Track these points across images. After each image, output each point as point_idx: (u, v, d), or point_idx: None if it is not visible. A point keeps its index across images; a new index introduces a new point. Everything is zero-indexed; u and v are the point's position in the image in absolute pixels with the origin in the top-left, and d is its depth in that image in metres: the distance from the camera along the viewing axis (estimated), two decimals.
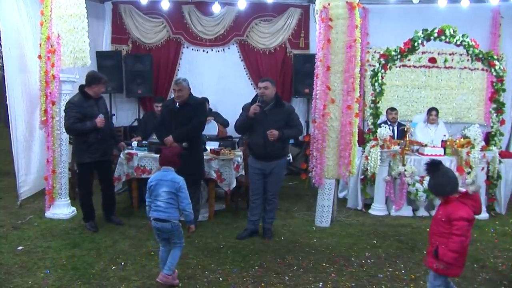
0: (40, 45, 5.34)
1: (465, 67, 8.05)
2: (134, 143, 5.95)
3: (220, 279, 3.90)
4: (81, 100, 4.95)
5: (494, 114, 6.20)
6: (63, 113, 5.33)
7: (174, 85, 5.14)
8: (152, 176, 3.89)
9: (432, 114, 7.04)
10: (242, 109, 4.95)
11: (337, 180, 5.51)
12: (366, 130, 6.42)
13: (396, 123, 7.17)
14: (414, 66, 8.08)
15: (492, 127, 6.22)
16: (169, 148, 4.12)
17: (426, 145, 6.13)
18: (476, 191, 3.15)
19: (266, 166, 4.83)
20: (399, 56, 6.02)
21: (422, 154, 6.09)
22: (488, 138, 6.23)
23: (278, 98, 4.89)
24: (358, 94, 5.31)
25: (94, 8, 7.46)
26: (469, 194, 3.09)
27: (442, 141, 6.27)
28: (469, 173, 5.87)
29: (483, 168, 5.95)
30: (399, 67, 7.72)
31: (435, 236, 3.14)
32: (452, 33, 5.90)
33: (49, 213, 5.46)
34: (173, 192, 3.70)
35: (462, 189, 3.14)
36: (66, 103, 5.02)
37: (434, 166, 3.18)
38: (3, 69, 6.52)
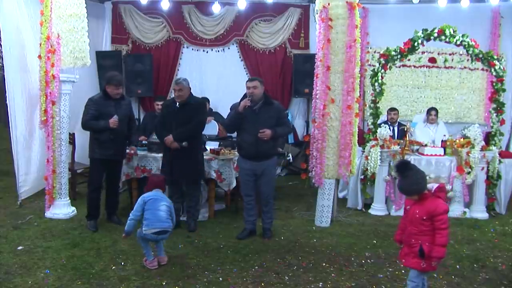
0: (40, 45, 5.34)
1: (465, 67, 8.05)
2: None
3: (220, 279, 3.90)
4: (100, 99, 5.07)
5: (494, 114, 6.19)
6: (63, 113, 5.37)
7: (174, 85, 5.15)
8: (144, 194, 4.24)
9: (431, 114, 7.04)
10: (231, 109, 4.97)
11: (337, 180, 5.51)
12: (366, 130, 6.42)
13: (396, 123, 7.17)
14: (414, 66, 8.08)
15: (492, 127, 6.22)
16: (155, 175, 4.71)
17: (426, 145, 6.14)
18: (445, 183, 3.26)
19: (256, 166, 4.81)
20: (399, 56, 6.02)
21: (422, 154, 6.09)
22: (488, 138, 6.23)
23: (266, 96, 4.91)
24: (358, 94, 5.31)
25: (94, 8, 7.46)
26: (443, 188, 3.17)
27: (442, 141, 6.27)
28: (469, 173, 5.87)
29: (483, 168, 5.95)
30: (399, 67, 7.73)
31: (415, 236, 3.14)
32: (452, 33, 5.89)
33: (49, 213, 5.46)
34: (170, 209, 4.21)
35: (432, 184, 3.21)
36: (87, 100, 5.12)
37: (406, 166, 3.18)
38: (3, 69, 6.52)
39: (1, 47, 6.14)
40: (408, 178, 3.14)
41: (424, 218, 3.08)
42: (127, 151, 5.43)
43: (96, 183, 5.19)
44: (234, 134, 6.36)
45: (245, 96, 4.85)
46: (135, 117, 5.57)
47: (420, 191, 3.14)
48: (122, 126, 5.11)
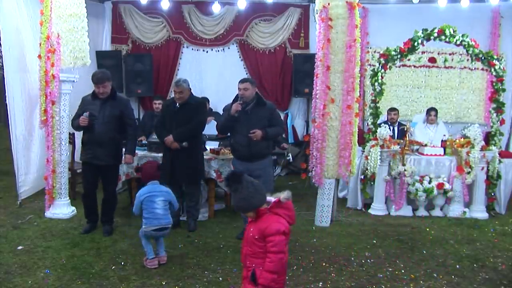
0: (40, 45, 5.34)
1: (465, 67, 8.04)
2: None
3: (220, 279, 3.90)
4: (88, 98, 4.98)
5: (494, 114, 6.20)
6: (63, 113, 5.37)
7: (174, 87, 5.14)
8: (140, 191, 4.23)
9: (431, 114, 7.03)
10: (223, 110, 4.96)
11: (337, 180, 5.51)
12: (366, 130, 6.42)
13: (396, 123, 7.18)
14: (414, 66, 8.07)
15: (492, 127, 6.22)
16: (147, 164, 4.56)
17: (426, 145, 6.14)
18: (289, 199, 2.77)
19: (251, 166, 4.77)
20: (399, 56, 6.02)
21: (422, 154, 6.10)
22: (488, 138, 6.24)
23: (259, 97, 4.91)
24: (358, 94, 5.31)
25: (94, 8, 7.46)
26: (281, 203, 2.75)
27: (442, 141, 6.28)
28: (469, 173, 5.88)
29: (482, 168, 5.96)
30: (399, 67, 7.72)
31: (250, 258, 2.71)
32: (452, 33, 5.90)
33: (49, 213, 5.46)
34: (168, 201, 4.23)
35: (271, 198, 2.78)
36: None
37: (237, 179, 2.69)
38: (3, 69, 6.52)
39: (0, 46, 6.13)
40: (238, 192, 2.68)
41: (257, 237, 2.67)
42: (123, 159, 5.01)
43: (86, 187, 5.04)
44: None
45: (237, 97, 4.84)
46: (133, 120, 5.08)
47: (252, 208, 2.70)
48: (104, 127, 4.79)
